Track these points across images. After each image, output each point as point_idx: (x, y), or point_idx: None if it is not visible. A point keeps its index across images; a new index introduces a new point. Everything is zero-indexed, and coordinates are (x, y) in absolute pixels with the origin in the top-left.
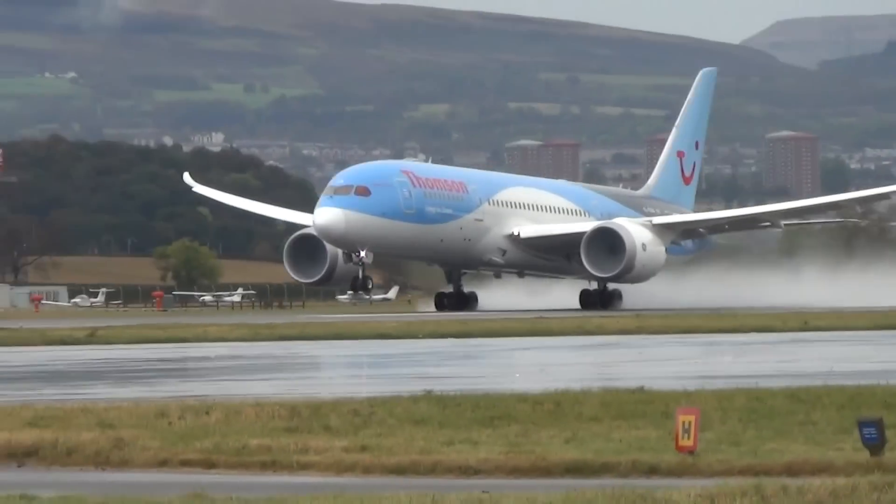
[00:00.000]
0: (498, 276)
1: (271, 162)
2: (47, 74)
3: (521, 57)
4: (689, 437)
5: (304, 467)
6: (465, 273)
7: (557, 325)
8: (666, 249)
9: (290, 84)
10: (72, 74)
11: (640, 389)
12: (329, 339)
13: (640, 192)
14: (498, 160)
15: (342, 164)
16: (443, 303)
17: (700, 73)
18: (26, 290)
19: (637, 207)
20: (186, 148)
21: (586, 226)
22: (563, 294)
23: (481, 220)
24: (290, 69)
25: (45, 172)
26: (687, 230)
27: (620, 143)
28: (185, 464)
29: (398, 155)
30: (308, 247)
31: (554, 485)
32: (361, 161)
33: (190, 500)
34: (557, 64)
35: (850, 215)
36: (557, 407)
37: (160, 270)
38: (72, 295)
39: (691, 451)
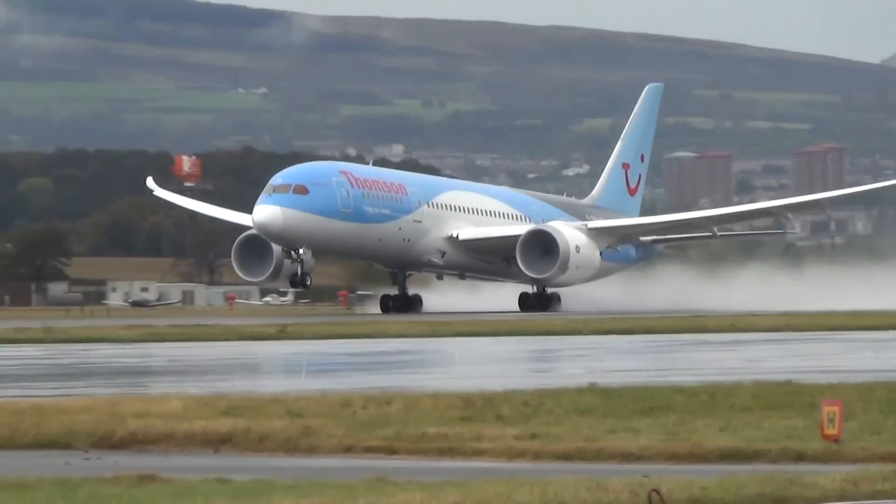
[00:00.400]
0: (440, 277)
1: (448, 171)
2: (240, 90)
3: (678, 74)
4: (833, 427)
5: (478, 453)
6: (409, 275)
7: (712, 322)
8: (601, 253)
9: (464, 99)
10: (263, 90)
11: (788, 382)
12: (501, 335)
13: (585, 200)
14: (656, 171)
15: (513, 174)
16: (388, 305)
17: (646, 88)
18: (221, 289)
19: (579, 215)
20: (369, 158)
21: (524, 229)
22: (506, 297)
23: (420, 222)
24: (464, 86)
25: (238, 181)
26: (625, 235)
27: (769, 155)
28: (369, 450)
29: (565, 165)
30: (256, 247)
31: (709, 470)
32: (531, 171)
33: (373, 483)
34: (711, 81)
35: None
36: (712, 398)
37: (345, 271)
38: (263, 294)
39: (836, 440)
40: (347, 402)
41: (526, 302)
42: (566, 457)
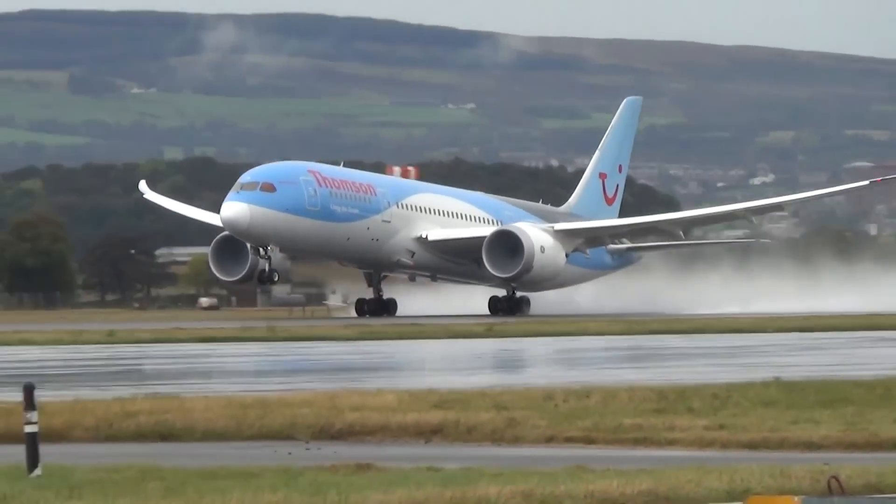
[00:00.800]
0: (413, 279)
1: (643, 181)
2: (450, 105)
3: (856, 90)
4: None
5: (670, 443)
6: (384, 277)
7: (886, 321)
8: (567, 255)
9: (658, 114)
10: (471, 105)
11: None
12: (690, 332)
13: (561, 208)
14: (836, 180)
15: (704, 183)
16: (363, 309)
17: (625, 100)
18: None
19: (553, 221)
20: (570, 169)
21: (491, 230)
22: (479, 301)
23: (389, 222)
24: (658, 101)
25: None
26: (592, 238)
27: None
28: (569, 440)
29: (751, 174)
30: (233, 247)
31: (885, 458)
32: (720, 181)
33: (573, 471)
34: (888, 97)
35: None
36: (888, 391)
37: None
38: None
39: None
40: (550, 395)
41: (496, 305)
42: (752, 446)
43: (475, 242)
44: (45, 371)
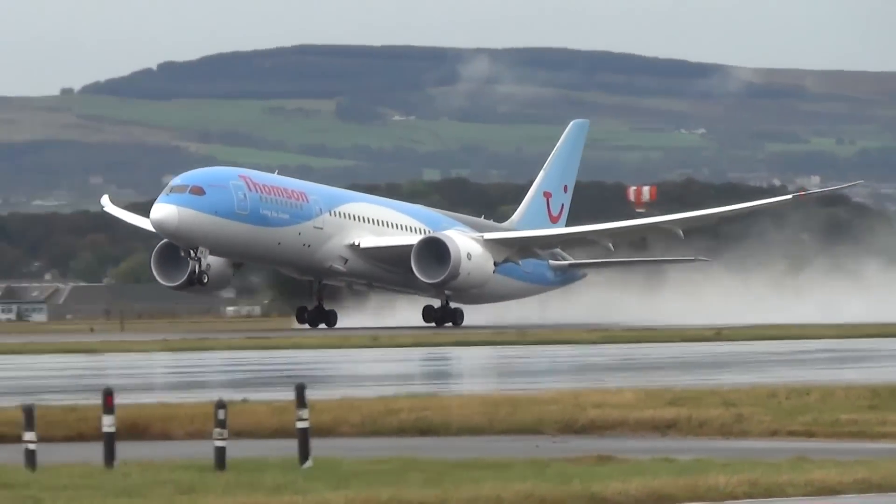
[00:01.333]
0: (350, 286)
1: (857, 199)
2: (683, 131)
3: None
4: None
5: (882, 436)
6: (325, 285)
7: None
8: (496, 264)
9: (870, 138)
10: (702, 131)
11: None
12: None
13: (504, 224)
14: None
15: None
16: (304, 316)
17: (571, 122)
18: None
19: None
20: (790, 188)
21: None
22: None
23: (321, 228)
24: (870, 126)
25: (682, 207)
26: (521, 248)
27: None
28: (791, 434)
29: None
30: (176, 254)
31: None
32: None
33: (794, 462)
34: None
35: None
36: None
37: None
38: None
39: None
40: (773, 392)
41: (430, 315)
42: None
43: (407, 250)
44: (316, 372)
